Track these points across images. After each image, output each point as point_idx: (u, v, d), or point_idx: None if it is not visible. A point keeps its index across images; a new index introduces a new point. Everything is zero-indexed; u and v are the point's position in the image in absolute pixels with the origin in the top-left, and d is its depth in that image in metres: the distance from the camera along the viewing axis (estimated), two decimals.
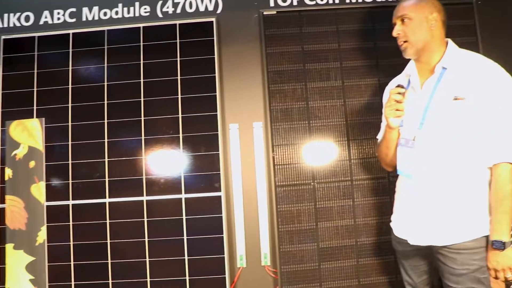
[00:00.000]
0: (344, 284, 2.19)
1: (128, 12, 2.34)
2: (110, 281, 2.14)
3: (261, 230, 2.22)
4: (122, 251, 2.15)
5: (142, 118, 2.23)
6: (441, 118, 1.66)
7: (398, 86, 1.79)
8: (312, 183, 2.24)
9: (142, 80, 2.26)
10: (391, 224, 1.91)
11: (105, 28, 2.32)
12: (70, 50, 2.29)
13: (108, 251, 2.15)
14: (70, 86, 2.27)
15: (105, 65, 2.28)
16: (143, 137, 2.22)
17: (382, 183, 2.25)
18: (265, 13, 2.34)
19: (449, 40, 1.74)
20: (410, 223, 1.77)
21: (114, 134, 2.22)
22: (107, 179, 2.19)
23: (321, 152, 2.28)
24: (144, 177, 2.21)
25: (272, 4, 2.37)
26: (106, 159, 2.21)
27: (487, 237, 1.64)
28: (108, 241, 2.16)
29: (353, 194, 2.25)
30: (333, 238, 2.21)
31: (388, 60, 2.32)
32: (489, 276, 1.67)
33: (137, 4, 2.35)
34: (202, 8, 2.35)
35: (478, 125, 1.61)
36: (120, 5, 2.35)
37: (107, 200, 2.18)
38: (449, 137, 1.64)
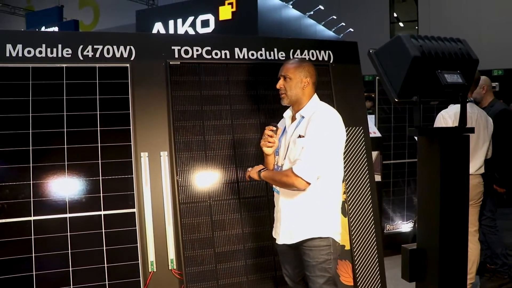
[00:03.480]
0: (236, 281, 2.91)
1: (52, 53, 2.81)
2: None
3: (168, 240, 2.85)
4: (48, 262, 2.59)
5: (65, 146, 2.71)
6: (291, 150, 2.50)
7: (271, 125, 2.58)
8: (209, 201, 2.95)
9: (65, 114, 2.75)
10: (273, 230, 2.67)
11: (29, 65, 2.75)
12: None
13: (33, 263, 2.57)
14: None
15: (30, 98, 2.71)
16: (66, 163, 2.71)
17: (263, 200, 3.05)
18: (171, 62, 3.03)
19: (315, 95, 2.57)
20: (276, 227, 2.56)
21: (39, 160, 2.67)
22: (32, 199, 2.62)
23: (215, 176, 2.98)
24: (67, 196, 2.68)
25: (176, 55, 3.06)
26: (31, 182, 2.64)
27: (332, 238, 2.47)
28: (33, 254, 2.57)
29: (241, 209, 2.99)
30: (226, 244, 2.93)
31: (267, 105, 3.16)
32: (333, 266, 2.51)
33: (59, 46, 2.83)
34: (118, 55, 2.94)
35: None
36: (43, 45, 2.80)
37: (32, 218, 2.60)
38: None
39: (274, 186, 2.60)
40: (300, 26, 13.98)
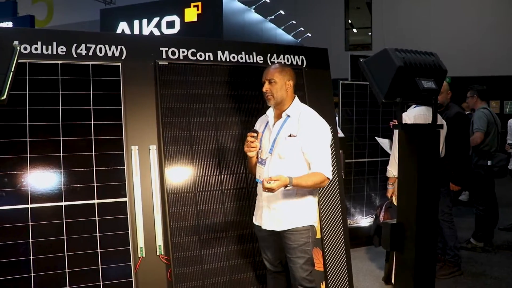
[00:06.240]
0: (219, 265, 3.14)
1: (47, 50, 2.96)
2: (32, 275, 2.69)
3: (156, 227, 3.05)
4: (44, 248, 2.74)
5: (61, 139, 2.87)
6: (281, 147, 2.77)
7: (252, 131, 2.84)
8: (194, 192, 3.17)
9: (60, 108, 2.90)
10: (253, 217, 2.92)
11: (27, 61, 2.88)
12: None
13: (30, 248, 2.71)
14: None
15: (27, 92, 2.85)
16: (61, 154, 2.86)
17: (243, 191, 3.30)
18: (159, 62, 3.23)
19: (296, 96, 2.86)
20: (264, 215, 2.81)
21: (36, 151, 2.82)
22: (29, 188, 2.76)
23: (200, 169, 3.20)
24: (62, 186, 2.83)
25: (164, 56, 3.27)
26: (28, 172, 2.78)
27: (311, 225, 2.77)
28: (30, 240, 2.72)
29: (223, 199, 3.23)
30: (210, 231, 3.16)
31: (247, 104, 3.41)
32: (311, 248, 2.80)
33: (54, 43, 2.98)
34: (110, 54, 3.12)
35: (303, 151, 2.72)
36: (39, 42, 2.95)
37: (29, 206, 2.74)
38: (286, 159, 2.75)
39: (257, 177, 2.86)
40: (262, 30, 14.31)
